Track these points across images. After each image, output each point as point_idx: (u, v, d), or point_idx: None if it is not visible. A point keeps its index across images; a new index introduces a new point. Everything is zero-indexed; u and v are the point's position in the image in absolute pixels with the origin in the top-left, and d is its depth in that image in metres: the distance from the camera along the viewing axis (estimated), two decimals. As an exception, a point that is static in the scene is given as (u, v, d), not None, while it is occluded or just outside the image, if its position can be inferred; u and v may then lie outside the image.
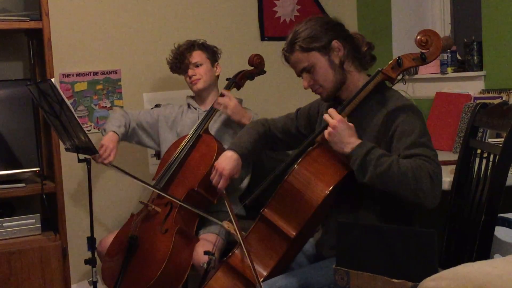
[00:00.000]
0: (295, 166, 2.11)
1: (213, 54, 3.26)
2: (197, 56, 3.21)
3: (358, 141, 2.07)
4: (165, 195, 2.91)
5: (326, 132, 2.10)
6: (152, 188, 2.97)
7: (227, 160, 2.44)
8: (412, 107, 2.16)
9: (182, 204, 2.86)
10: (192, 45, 3.22)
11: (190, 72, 3.20)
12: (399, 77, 2.21)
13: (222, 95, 3.11)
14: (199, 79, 3.19)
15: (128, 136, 3.20)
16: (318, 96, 2.35)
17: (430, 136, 2.13)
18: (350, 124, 2.11)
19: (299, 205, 2.08)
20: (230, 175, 2.43)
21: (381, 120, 2.14)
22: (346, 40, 2.22)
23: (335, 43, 2.19)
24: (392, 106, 2.14)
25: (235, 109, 3.06)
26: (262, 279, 2.12)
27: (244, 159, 2.48)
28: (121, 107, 3.68)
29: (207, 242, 2.85)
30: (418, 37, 2.11)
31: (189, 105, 3.32)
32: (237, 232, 2.24)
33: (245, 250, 2.15)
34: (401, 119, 2.10)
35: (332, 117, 2.10)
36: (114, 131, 3.06)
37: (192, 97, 3.33)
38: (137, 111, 3.32)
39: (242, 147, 2.47)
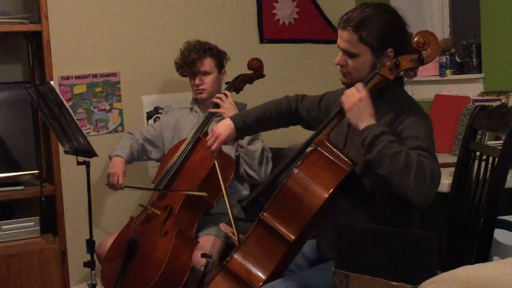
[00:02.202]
0: (294, 170, 2.11)
1: (221, 62, 3.26)
2: (207, 64, 3.20)
3: (375, 122, 2.06)
4: (189, 192, 2.93)
5: (349, 102, 2.08)
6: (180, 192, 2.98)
7: (225, 127, 2.53)
8: (420, 111, 2.15)
9: (192, 193, 2.90)
10: (203, 52, 3.20)
11: (197, 80, 3.20)
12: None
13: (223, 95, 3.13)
14: (204, 89, 3.20)
15: (138, 154, 3.27)
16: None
17: (434, 142, 2.12)
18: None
19: (299, 209, 2.07)
20: (225, 140, 2.53)
21: (389, 121, 2.13)
22: (400, 50, 2.17)
23: (389, 52, 2.16)
24: (401, 108, 2.14)
25: (229, 108, 3.06)
26: (261, 283, 2.11)
27: (239, 132, 2.56)
28: (120, 109, 3.68)
29: (205, 244, 2.85)
30: (416, 39, 2.09)
31: (191, 109, 3.33)
32: (234, 234, 2.25)
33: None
34: (408, 122, 2.10)
35: (360, 90, 2.09)
36: (117, 155, 3.15)
37: (196, 98, 3.35)
38: (141, 129, 3.40)
39: (240, 121, 2.55)
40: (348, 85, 2.24)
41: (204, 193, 2.90)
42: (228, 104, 3.08)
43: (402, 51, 2.17)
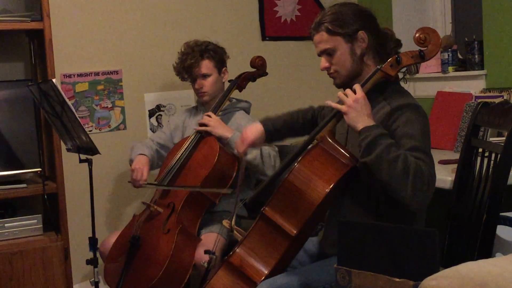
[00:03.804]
0: (296, 164, 2.11)
1: (220, 61, 3.23)
2: (205, 67, 3.17)
3: (373, 123, 2.07)
4: (196, 189, 2.93)
5: (346, 104, 2.09)
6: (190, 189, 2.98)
7: (253, 130, 2.50)
8: (416, 107, 2.15)
9: (198, 190, 2.91)
10: (200, 55, 3.17)
11: (197, 84, 3.19)
12: (400, 75, 2.20)
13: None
14: (205, 92, 3.19)
15: (155, 160, 3.26)
16: (314, 101, 2.34)
17: (430, 139, 2.13)
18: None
19: (300, 204, 2.08)
20: (251, 144, 2.48)
21: (383, 117, 2.14)
22: (373, 33, 2.22)
23: (361, 34, 2.19)
24: (396, 103, 2.14)
25: (216, 125, 3.05)
26: (263, 278, 2.12)
27: (268, 135, 2.52)
28: (122, 107, 3.68)
29: (208, 241, 2.85)
30: (417, 35, 2.10)
31: (197, 107, 3.34)
32: (237, 230, 2.25)
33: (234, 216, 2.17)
34: (403, 119, 2.10)
35: (357, 92, 2.10)
36: (141, 154, 3.16)
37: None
38: (150, 136, 3.43)
39: (270, 124, 2.53)
40: (341, 85, 2.27)
41: (227, 191, 2.90)
42: (214, 121, 3.06)
43: (376, 33, 2.23)
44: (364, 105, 2.08)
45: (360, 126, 2.06)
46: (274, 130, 2.53)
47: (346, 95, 2.11)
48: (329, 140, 2.17)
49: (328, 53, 2.24)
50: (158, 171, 3.44)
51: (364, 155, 2.03)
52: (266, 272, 2.13)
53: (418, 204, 2.00)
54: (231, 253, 2.22)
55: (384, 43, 2.25)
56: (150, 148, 3.24)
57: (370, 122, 2.06)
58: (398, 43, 2.29)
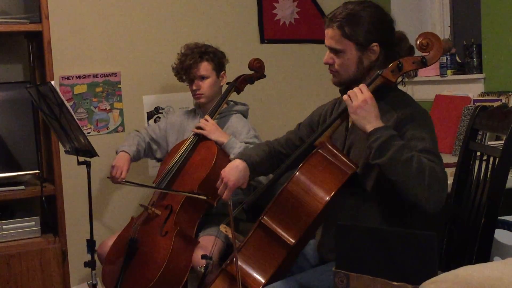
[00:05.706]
0: (295, 172, 2.09)
1: (219, 65, 3.23)
2: (204, 69, 3.18)
3: (382, 124, 2.03)
4: (189, 194, 2.92)
5: (355, 103, 2.04)
6: (175, 192, 2.98)
7: (233, 170, 2.33)
8: (423, 114, 2.14)
9: (191, 195, 2.90)
10: (200, 56, 3.17)
11: (194, 85, 3.19)
12: (399, 79, 2.19)
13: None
14: (202, 94, 3.19)
15: (145, 152, 3.30)
16: (313, 104, 2.31)
17: (437, 143, 2.11)
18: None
19: (299, 213, 2.06)
20: (235, 185, 2.31)
21: (390, 121, 2.11)
22: (386, 47, 2.17)
23: (374, 47, 2.15)
24: (403, 110, 2.12)
25: (212, 130, 3.06)
26: (261, 287, 2.10)
27: (252, 170, 2.38)
28: (121, 109, 3.68)
29: (206, 244, 2.85)
30: (419, 41, 2.06)
31: (195, 111, 3.34)
32: (233, 240, 2.23)
33: (236, 257, 2.13)
34: (412, 124, 2.08)
35: (363, 92, 2.06)
36: (123, 151, 3.16)
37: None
38: (148, 127, 3.45)
39: (250, 157, 2.39)
40: (338, 84, 2.25)
41: (203, 197, 2.89)
42: (210, 126, 3.06)
43: (389, 46, 2.18)
44: (372, 105, 2.04)
45: (369, 127, 2.02)
46: (257, 164, 2.39)
47: (355, 94, 2.06)
48: (329, 146, 2.14)
49: (335, 51, 2.19)
50: (152, 172, 3.45)
51: (376, 157, 1.98)
52: (263, 281, 2.11)
53: (434, 205, 1.95)
54: (228, 261, 2.20)
55: (394, 55, 2.19)
56: (143, 140, 3.27)
57: (380, 124, 2.02)
58: (411, 51, 2.24)
